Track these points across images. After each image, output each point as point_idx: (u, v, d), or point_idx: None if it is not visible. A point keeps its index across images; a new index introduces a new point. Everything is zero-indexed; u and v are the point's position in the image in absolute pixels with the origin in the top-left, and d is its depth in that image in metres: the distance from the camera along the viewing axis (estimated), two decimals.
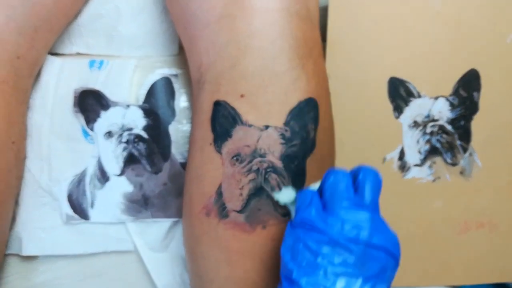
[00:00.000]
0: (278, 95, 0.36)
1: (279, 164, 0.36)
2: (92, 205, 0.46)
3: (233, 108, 0.36)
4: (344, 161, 0.46)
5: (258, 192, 0.36)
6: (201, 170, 0.38)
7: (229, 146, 0.36)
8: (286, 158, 0.36)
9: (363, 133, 0.48)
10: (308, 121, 0.37)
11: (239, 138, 0.36)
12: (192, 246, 0.39)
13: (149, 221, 0.47)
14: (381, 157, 0.48)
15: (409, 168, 0.48)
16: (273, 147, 0.36)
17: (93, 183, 0.47)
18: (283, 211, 0.36)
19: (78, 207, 0.46)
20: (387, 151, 0.48)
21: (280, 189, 0.36)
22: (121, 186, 0.46)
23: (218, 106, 0.37)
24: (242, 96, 0.36)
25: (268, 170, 0.36)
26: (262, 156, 0.36)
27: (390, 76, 0.48)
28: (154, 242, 0.47)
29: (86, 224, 0.47)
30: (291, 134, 0.36)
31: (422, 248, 0.49)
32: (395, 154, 0.48)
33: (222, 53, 0.37)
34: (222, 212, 0.36)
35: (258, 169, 0.36)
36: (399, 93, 0.48)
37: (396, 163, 0.48)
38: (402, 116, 0.48)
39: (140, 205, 0.47)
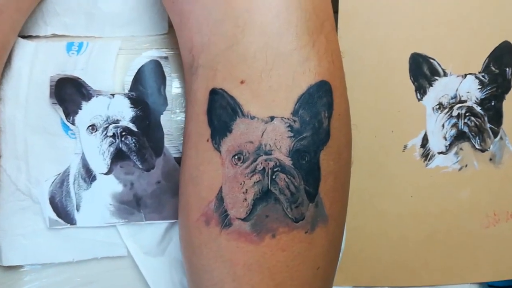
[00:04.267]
0: (285, 80, 0.33)
1: (287, 161, 0.33)
2: (77, 208, 0.44)
3: (232, 97, 0.33)
4: (361, 151, 0.46)
5: (265, 196, 0.33)
6: (198, 171, 0.35)
7: (229, 143, 0.34)
8: (295, 153, 0.33)
9: (381, 118, 0.47)
10: (320, 108, 0.34)
11: (241, 133, 0.33)
12: (191, 258, 0.36)
13: (142, 223, 0.45)
14: (401, 145, 0.47)
15: (433, 156, 0.47)
16: (280, 142, 0.33)
17: (78, 183, 0.44)
18: (295, 216, 0.33)
19: (62, 211, 0.44)
20: (408, 137, 0.47)
21: (290, 191, 0.33)
22: (109, 186, 0.44)
23: (215, 95, 0.34)
24: (242, 82, 0.33)
25: (275, 169, 0.33)
26: (267, 153, 0.33)
27: (411, 52, 0.46)
28: (149, 246, 0.45)
29: (72, 229, 0.45)
30: (300, 125, 0.33)
31: (447, 244, 0.48)
32: (417, 140, 0.47)
33: (217, 31, 0.34)
34: (224, 220, 0.33)
35: (263, 169, 0.33)
36: (422, 72, 0.46)
37: (418, 151, 0.47)
38: (426, 98, 0.47)
39: (132, 206, 0.45)
